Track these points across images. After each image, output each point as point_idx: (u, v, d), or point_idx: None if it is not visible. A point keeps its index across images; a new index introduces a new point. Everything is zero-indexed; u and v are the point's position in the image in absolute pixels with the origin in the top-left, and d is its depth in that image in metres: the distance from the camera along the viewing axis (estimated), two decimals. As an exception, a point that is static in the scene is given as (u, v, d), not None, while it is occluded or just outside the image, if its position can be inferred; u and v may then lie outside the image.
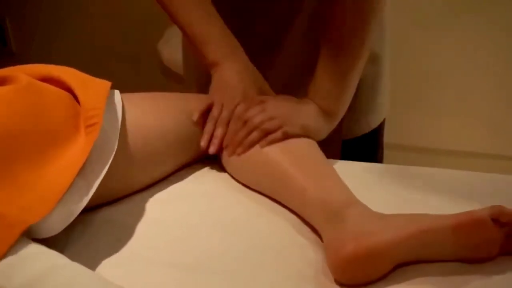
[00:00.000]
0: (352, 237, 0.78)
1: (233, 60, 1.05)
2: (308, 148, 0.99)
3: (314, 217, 0.88)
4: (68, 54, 2.38)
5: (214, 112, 1.02)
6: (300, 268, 0.82)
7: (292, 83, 1.17)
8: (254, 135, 0.98)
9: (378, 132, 1.33)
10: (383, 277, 0.79)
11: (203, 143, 1.00)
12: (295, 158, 0.96)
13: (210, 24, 1.07)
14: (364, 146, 1.31)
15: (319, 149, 1.00)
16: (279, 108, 1.01)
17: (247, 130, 0.99)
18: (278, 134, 0.98)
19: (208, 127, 1.01)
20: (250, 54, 1.08)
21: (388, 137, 1.39)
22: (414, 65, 2.05)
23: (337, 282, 0.79)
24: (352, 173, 1.02)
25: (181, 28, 1.09)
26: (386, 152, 1.39)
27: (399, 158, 1.45)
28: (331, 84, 1.04)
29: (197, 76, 1.27)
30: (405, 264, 0.80)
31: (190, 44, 1.09)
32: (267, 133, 0.98)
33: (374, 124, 1.30)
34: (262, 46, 1.16)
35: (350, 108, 1.10)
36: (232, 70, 1.04)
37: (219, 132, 1.00)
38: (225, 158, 1.02)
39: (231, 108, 1.01)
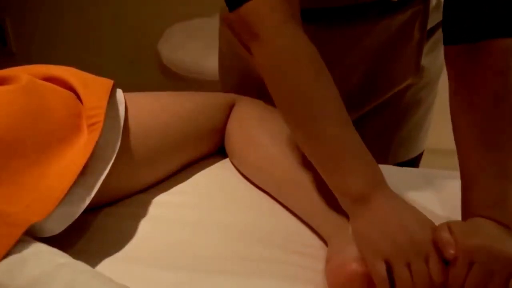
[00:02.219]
0: (356, 258, 0.76)
1: (386, 191, 0.79)
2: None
3: (320, 226, 0.86)
4: (68, 54, 2.38)
5: (398, 273, 0.72)
6: (298, 272, 0.81)
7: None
8: None
9: (416, 161, 1.27)
10: None
11: None
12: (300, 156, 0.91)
13: (352, 133, 0.80)
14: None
15: None
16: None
17: None
18: None
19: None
20: None
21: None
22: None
23: None
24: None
25: (291, 123, 0.82)
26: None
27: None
28: (495, 183, 0.78)
29: (233, 77, 1.21)
30: None
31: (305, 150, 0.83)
32: None
33: (421, 149, 1.24)
34: (331, 56, 0.92)
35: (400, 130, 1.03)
36: (392, 206, 0.77)
37: None
38: (237, 161, 1.01)
39: (422, 267, 0.72)
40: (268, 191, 0.97)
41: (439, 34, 1.10)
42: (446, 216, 0.81)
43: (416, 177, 1.03)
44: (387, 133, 1.17)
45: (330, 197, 0.82)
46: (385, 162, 1.08)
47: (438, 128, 2.13)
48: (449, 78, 0.84)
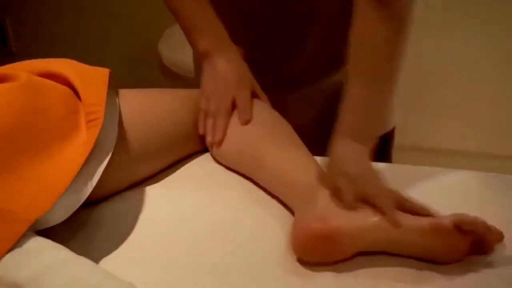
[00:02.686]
0: (318, 217, 0.80)
1: (225, 50, 1.05)
2: (284, 127, 1.01)
3: (290, 199, 0.90)
4: (68, 54, 2.38)
5: (204, 105, 1.03)
6: (285, 270, 0.82)
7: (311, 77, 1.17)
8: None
9: (388, 140, 1.33)
10: (343, 261, 0.80)
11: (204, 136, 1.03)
12: (273, 138, 0.97)
13: (203, 11, 1.07)
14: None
15: (291, 128, 1.01)
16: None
17: None
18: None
19: (200, 120, 1.04)
20: (270, 55, 1.08)
21: (388, 137, 1.39)
22: (413, 65, 2.05)
23: (301, 262, 0.81)
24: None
25: (174, 13, 1.10)
26: (386, 152, 1.39)
27: (399, 158, 1.45)
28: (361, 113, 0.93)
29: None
30: (369, 253, 0.81)
31: (183, 30, 1.10)
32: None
33: (390, 127, 1.31)
34: (282, 48, 1.16)
35: None
36: (225, 60, 1.05)
37: (210, 124, 1.02)
38: (210, 145, 1.05)
39: (224, 104, 1.02)
40: (242, 172, 1.00)
41: None
42: (446, 212, 0.82)
43: (414, 175, 1.03)
44: None
45: (296, 171, 0.89)
46: None
47: (439, 128, 2.14)
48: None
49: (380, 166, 1.08)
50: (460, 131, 2.13)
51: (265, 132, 0.99)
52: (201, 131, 1.04)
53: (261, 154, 0.96)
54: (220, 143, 1.01)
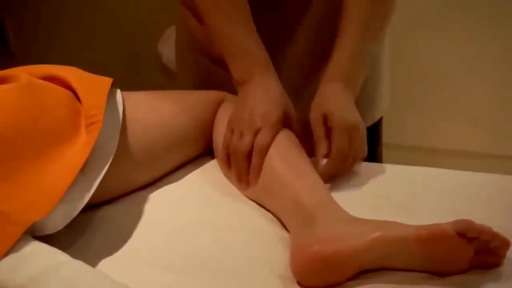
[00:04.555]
0: (317, 241, 0.78)
1: (262, 78, 1.00)
2: (287, 144, 0.96)
3: (286, 217, 0.88)
4: (68, 54, 2.38)
5: (229, 140, 0.97)
6: (282, 273, 0.81)
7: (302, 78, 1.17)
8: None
9: (378, 127, 1.33)
10: (345, 282, 0.78)
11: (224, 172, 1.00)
12: (283, 158, 0.94)
13: (246, 32, 1.02)
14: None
15: (298, 142, 0.98)
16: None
17: None
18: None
19: (223, 155, 0.98)
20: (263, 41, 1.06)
21: (387, 137, 1.39)
22: (413, 65, 2.05)
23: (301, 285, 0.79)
24: (351, 172, 1.02)
25: (209, 29, 1.04)
26: (386, 152, 1.39)
27: (398, 158, 1.45)
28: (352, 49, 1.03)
29: (194, 71, 1.25)
30: (370, 271, 0.79)
31: (219, 51, 1.04)
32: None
33: (377, 116, 1.31)
34: (274, 40, 1.13)
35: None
36: (261, 91, 0.98)
37: (236, 167, 0.96)
38: (218, 159, 1.03)
39: (250, 138, 0.95)
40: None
41: None
42: (446, 213, 0.81)
43: (413, 175, 1.03)
44: None
45: (295, 192, 0.87)
46: None
47: (438, 128, 2.14)
48: None
49: (380, 166, 1.09)
50: (460, 131, 2.12)
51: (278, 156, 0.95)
52: (223, 167, 1.00)
53: (268, 169, 0.93)
54: (246, 187, 0.96)
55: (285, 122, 0.98)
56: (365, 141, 1.00)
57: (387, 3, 1.09)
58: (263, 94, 0.98)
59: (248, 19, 1.02)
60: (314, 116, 0.99)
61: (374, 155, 1.34)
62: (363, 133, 1.00)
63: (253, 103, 0.97)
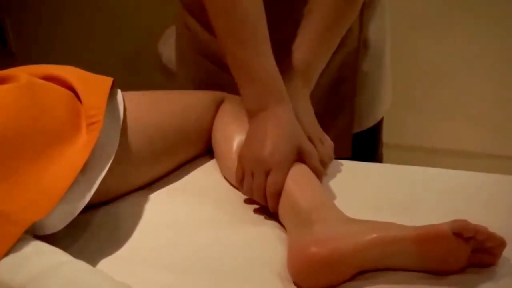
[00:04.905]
0: (314, 242, 0.78)
1: (275, 109, 0.93)
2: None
3: (285, 220, 0.88)
4: (68, 54, 2.38)
5: (241, 178, 0.93)
6: (282, 273, 0.81)
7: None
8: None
9: (379, 127, 1.33)
10: (343, 283, 0.78)
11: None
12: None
13: (264, 59, 0.95)
14: (367, 141, 1.31)
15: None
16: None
17: None
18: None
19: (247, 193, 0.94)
20: None
21: (388, 137, 1.39)
22: (414, 65, 2.05)
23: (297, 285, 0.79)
24: (351, 172, 1.02)
25: (223, 49, 0.98)
26: (386, 152, 1.39)
27: (398, 158, 1.45)
28: (314, 39, 1.03)
29: (194, 71, 1.25)
30: (369, 271, 0.79)
31: (234, 76, 0.97)
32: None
33: (379, 116, 1.31)
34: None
35: (357, 102, 1.09)
36: (274, 125, 0.92)
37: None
38: (217, 159, 1.03)
39: (262, 178, 0.90)
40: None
41: (380, 7, 1.20)
42: (446, 212, 0.81)
43: (413, 175, 1.03)
44: (348, 105, 1.23)
45: (295, 195, 0.86)
46: (350, 132, 1.23)
47: (438, 128, 2.14)
48: None
49: (380, 166, 1.09)
50: (460, 131, 2.12)
51: None
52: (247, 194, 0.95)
53: None
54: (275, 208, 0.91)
55: (298, 158, 0.92)
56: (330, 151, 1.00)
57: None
58: (275, 129, 0.92)
59: (268, 49, 0.96)
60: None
61: (375, 155, 1.34)
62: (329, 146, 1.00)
63: (263, 139, 0.92)
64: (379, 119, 1.31)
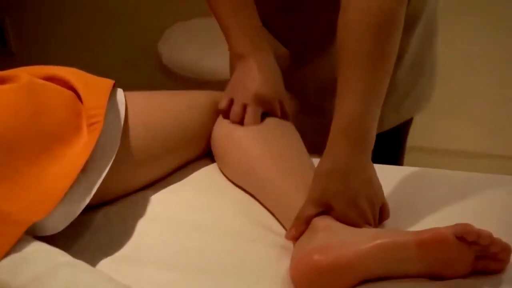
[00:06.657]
0: (317, 248, 0.78)
1: (260, 56, 1.04)
2: (289, 140, 0.98)
3: (287, 225, 0.87)
4: (68, 54, 2.38)
5: (225, 106, 1.02)
6: (282, 273, 0.81)
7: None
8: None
9: (403, 129, 1.31)
10: None
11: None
12: (276, 157, 0.94)
13: (241, 15, 1.05)
14: (391, 140, 1.30)
15: (298, 137, 0.99)
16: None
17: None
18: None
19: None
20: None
21: (388, 137, 1.39)
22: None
23: None
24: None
25: (216, 17, 1.08)
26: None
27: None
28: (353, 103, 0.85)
29: None
30: (373, 280, 0.78)
31: (222, 30, 1.08)
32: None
33: (406, 116, 1.28)
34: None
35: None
36: (254, 65, 1.02)
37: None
38: (216, 155, 1.03)
39: (240, 105, 1.01)
40: (249, 191, 0.98)
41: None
42: (446, 213, 0.82)
43: (413, 175, 1.03)
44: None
45: (298, 199, 0.86)
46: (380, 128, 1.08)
47: (440, 128, 2.14)
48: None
49: (380, 167, 1.09)
50: (460, 131, 2.12)
51: (271, 154, 0.95)
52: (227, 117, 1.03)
53: (264, 177, 0.93)
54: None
55: (276, 97, 1.02)
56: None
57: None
58: (257, 71, 1.02)
59: (254, 14, 1.06)
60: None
61: (396, 158, 1.32)
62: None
63: (247, 77, 1.02)
64: (403, 120, 1.26)
